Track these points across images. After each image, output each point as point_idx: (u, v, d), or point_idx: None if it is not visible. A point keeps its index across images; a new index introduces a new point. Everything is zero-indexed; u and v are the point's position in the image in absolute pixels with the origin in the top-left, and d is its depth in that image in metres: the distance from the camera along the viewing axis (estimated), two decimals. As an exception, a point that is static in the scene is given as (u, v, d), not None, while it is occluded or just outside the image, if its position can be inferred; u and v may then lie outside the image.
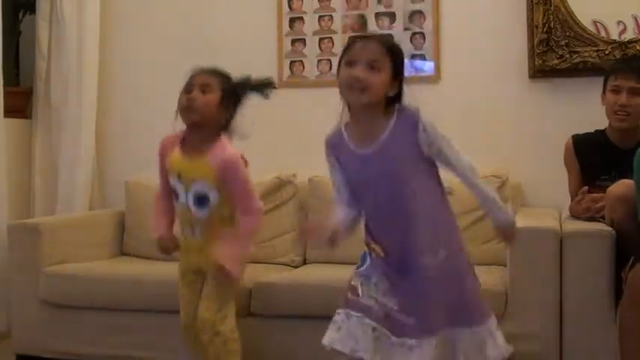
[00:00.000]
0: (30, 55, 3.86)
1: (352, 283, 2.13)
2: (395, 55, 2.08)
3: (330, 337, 2.07)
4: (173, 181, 2.57)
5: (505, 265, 2.72)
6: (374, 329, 2.07)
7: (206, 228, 2.55)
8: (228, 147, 2.53)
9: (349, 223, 2.16)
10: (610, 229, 2.56)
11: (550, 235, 2.59)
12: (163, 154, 2.62)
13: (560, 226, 2.67)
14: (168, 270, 2.76)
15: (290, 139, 3.55)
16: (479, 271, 2.90)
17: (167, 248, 2.63)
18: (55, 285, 3.08)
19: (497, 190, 3.09)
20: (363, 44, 2.07)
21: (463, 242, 2.18)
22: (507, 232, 2.15)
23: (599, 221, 2.68)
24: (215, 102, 2.53)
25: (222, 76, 2.60)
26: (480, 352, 2.10)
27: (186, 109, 2.53)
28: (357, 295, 2.10)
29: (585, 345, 2.56)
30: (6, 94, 3.56)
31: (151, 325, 2.92)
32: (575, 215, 2.81)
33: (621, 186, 2.52)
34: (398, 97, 2.10)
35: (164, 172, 2.62)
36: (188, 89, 2.55)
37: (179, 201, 2.57)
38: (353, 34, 2.22)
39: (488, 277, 2.77)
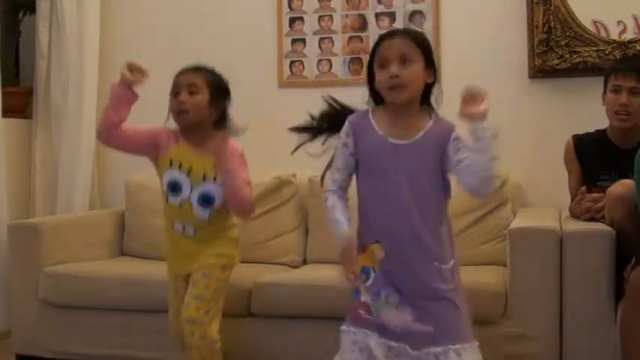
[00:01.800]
0: (30, 55, 3.86)
1: (362, 299, 2.14)
2: (422, 43, 2.15)
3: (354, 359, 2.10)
4: (175, 175, 2.55)
5: (505, 265, 2.72)
6: (390, 348, 2.10)
7: (201, 228, 2.56)
8: (230, 140, 2.53)
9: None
10: (610, 229, 2.56)
11: (550, 235, 2.59)
12: (162, 141, 2.58)
13: (560, 226, 2.66)
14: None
15: (290, 139, 3.54)
16: (479, 271, 2.93)
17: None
18: (55, 285, 3.08)
19: (497, 190, 3.12)
20: (389, 42, 2.13)
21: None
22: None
23: (599, 221, 2.68)
24: (205, 102, 2.55)
25: (207, 72, 2.60)
26: None
27: (177, 113, 2.54)
28: (370, 313, 2.13)
29: (585, 345, 2.56)
30: (6, 94, 3.56)
31: (151, 325, 2.92)
32: (575, 215, 2.81)
33: (621, 186, 2.52)
34: (432, 85, 2.17)
35: (147, 133, 2.59)
36: (176, 91, 2.56)
37: (179, 195, 2.54)
38: (382, 33, 2.25)
39: (489, 277, 2.77)
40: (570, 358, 2.59)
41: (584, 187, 2.79)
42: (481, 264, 3.03)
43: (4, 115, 3.53)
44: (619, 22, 3.29)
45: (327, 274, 2.88)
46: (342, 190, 2.22)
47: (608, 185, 2.65)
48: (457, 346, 2.06)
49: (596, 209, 2.71)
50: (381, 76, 2.12)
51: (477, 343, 2.11)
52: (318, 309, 2.75)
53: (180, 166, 2.55)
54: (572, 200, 2.88)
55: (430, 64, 2.15)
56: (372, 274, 2.14)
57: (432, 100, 2.19)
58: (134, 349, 2.96)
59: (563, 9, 3.30)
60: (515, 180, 3.26)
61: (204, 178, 2.53)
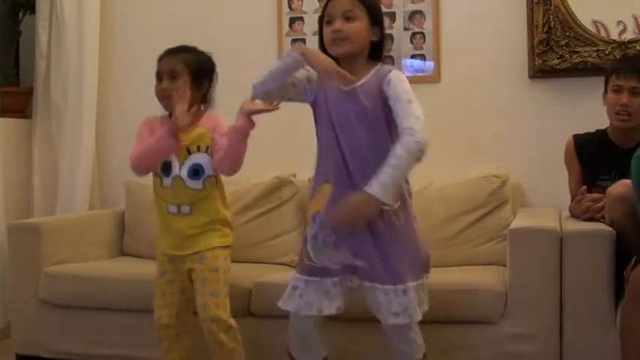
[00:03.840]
0: (30, 55, 3.86)
1: (307, 247, 2.26)
2: (367, 2, 2.26)
3: (295, 305, 2.26)
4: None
5: (505, 265, 2.72)
6: (334, 284, 2.22)
7: (196, 203, 2.57)
8: (217, 116, 2.61)
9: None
10: (610, 229, 2.56)
11: (550, 235, 2.59)
12: (155, 130, 2.61)
13: (560, 226, 2.66)
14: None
15: (290, 139, 3.55)
16: (479, 271, 2.93)
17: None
18: (55, 285, 3.08)
19: (497, 189, 3.12)
20: (335, 1, 2.26)
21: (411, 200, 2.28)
22: (363, 201, 2.12)
23: (599, 221, 2.68)
24: (186, 86, 2.56)
25: (187, 55, 2.63)
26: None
27: (161, 99, 2.60)
28: (312, 260, 2.24)
29: (585, 345, 2.56)
30: (6, 94, 3.57)
31: (151, 325, 2.91)
32: (575, 215, 2.81)
33: (621, 186, 2.52)
34: (381, 43, 2.29)
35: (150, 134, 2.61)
36: (158, 77, 2.61)
37: (169, 175, 2.57)
38: None
39: (489, 277, 2.77)
40: (570, 358, 2.59)
41: (583, 187, 2.79)
42: (481, 264, 3.03)
43: (3, 115, 3.53)
44: (619, 22, 3.29)
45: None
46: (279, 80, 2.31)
47: (608, 185, 2.65)
48: (397, 286, 2.17)
49: (595, 209, 2.71)
50: (326, 32, 2.26)
51: (417, 283, 2.22)
52: (318, 309, 2.75)
53: None
54: (572, 200, 2.88)
55: (376, 22, 2.26)
56: (318, 220, 2.25)
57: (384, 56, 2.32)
58: (134, 349, 2.96)
59: (563, 9, 3.30)
60: (515, 180, 3.26)
61: (188, 151, 2.56)
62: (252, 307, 2.87)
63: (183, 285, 2.61)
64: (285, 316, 2.79)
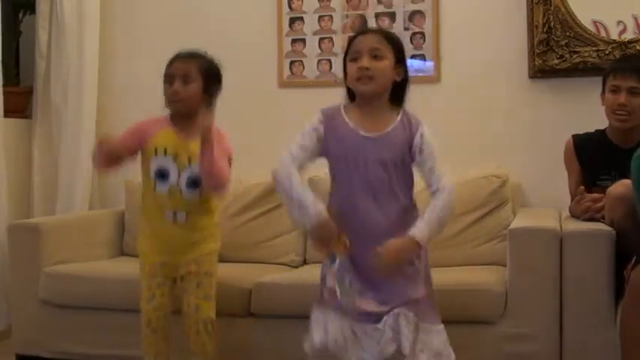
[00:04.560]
0: (30, 55, 3.86)
1: (329, 284, 2.20)
2: (393, 42, 2.24)
3: (321, 339, 2.17)
4: (163, 161, 2.55)
5: (505, 265, 2.72)
6: (353, 329, 2.17)
7: (193, 212, 2.57)
8: (218, 130, 2.54)
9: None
10: (610, 229, 2.56)
11: (550, 235, 2.59)
12: (144, 132, 2.59)
13: (560, 226, 2.66)
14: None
15: (290, 139, 3.54)
16: (479, 271, 2.93)
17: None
18: (55, 285, 3.08)
19: (497, 189, 3.12)
20: (362, 38, 2.23)
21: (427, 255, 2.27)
22: (407, 245, 2.13)
23: (599, 221, 2.67)
24: (198, 91, 2.57)
25: (201, 59, 2.63)
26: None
27: (170, 101, 2.58)
28: (336, 296, 2.18)
29: (585, 345, 2.56)
30: (6, 94, 3.56)
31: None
32: (574, 215, 2.81)
33: (621, 186, 2.52)
34: (404, 83, 2.25)
35: (131, 135, 2.59)
36: (169, 80, 2.58)
37: (167, 181, 2.55)
38: (352, 34, 2.32)
39: (489, 277, 2.77)
40: (570, 358, 2.59)
41: (582, 187, 2.79)
42: (481, 264, 3.04)
43: (4, 115, 3.53)
44: (619, 22, 3.29)
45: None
46: (299, 165, 2.26)
47: (608, 185, 2.65)
48: (426, 324, 2.15)
49: (595, 209, 2.71)
50: (351, 69, 2.22)
51: (442, 327, 2.20)
52: (318, 309, 2.75)
53: (165, 151, 2.56)
54: (571, 200, 2.88)
55: (400, 62, 2.24)
56: (337, 260, 2.19)
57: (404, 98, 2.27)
58: (134, 349, 2.95)
59: (563, 9, 3.30)
60: (515, 180, 3.26)
61: (189, 161, 2.55)
62: (252, 307, 2.87)
63: (172, 286, 2.61)
64: (285, 315, 2.80)
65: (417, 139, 2.19)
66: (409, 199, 2.23)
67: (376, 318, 2.15)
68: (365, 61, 2.17)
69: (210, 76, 2.61)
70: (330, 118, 2.24)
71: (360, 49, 2.20)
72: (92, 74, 3.75)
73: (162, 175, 2.56)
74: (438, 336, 2.18)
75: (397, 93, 2.25)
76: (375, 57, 2.18)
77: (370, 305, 2.16)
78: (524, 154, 3.37)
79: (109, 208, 3.73)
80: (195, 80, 2.57)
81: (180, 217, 2.57)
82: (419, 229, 2.13)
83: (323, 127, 2.23)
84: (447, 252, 3.05)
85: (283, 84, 3.67)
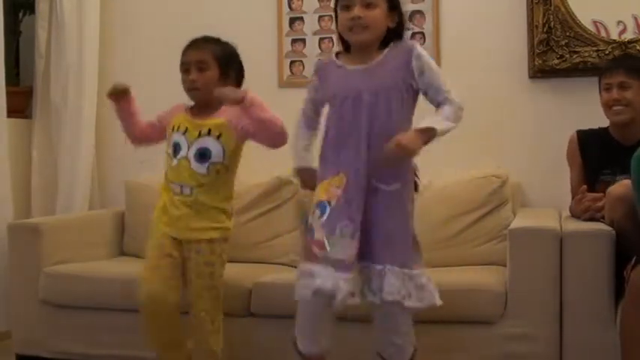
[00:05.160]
0: (30, 55, 3.86)
1: (317, 236, 2.18)
2: None
3: (315, 284, 2.15)
4: (176, 136, 2.62)
5: (505, 265, 2.72)
6: (347, 280, 2.16)
7: (198, 187, 2.58)
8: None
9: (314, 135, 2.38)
10: (610, 229, 2.56)
11: (550, 235, 2.59)
12: (172, 113, 2.69)
13: (560, 226, 2.66)
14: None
15: (290, 139, 3.54)
16: (479, 271, 2.93)
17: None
18: (55, 285, 3.08)
19: (497, 189, 3.12)
20: None
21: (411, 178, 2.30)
22: (418, 135, 2.16)
23: (599, 221, 2.68)
24: (215, 77, 2.60)
25: (214, 45, 2.65)
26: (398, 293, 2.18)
27: (189, 91, 2.62)
28: (325, 249, 2.17)
29: (585, 345, 2.56)
30: (6, 94, 3.56)
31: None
32: (575, 215, 2.82)
33: (621, 187, 2.52)
34: (399, 28, 2.26)
35: (161, 120, 2.72)
36: (185, 69, 2.61)
37: (178, 156, 2.59)
38: None
39: (489, 277, 2.77)
40: (570, 358, 2.58)
41: (584, 187, 2.80)
42: (481, 264, 3.03)
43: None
44: (619, 22, 3.29)
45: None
46: (308, 117, 2.38)
47: (610, 180, 2.67)
48: (414, 271, 2.20)
49: (595, 208, 2.71)
50: (342, 18, 2.22)
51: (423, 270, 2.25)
52: (318, 309, 2.74)
53: (178, 128, 2.63)
54: (572, 195, 2.89)
55: (394, 8, 2.24)
56: (328, 209, 2.18)
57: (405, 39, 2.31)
58: (134, 349, 2.96)
59: (563, 9, 3.30)
60: (515, 180, 3.26)
61: (199, 134, 2.58)
62: (252, 307, 2.87)
63: (183, 267, 2.63)
64: (285, 315, 2.79)
65: (413, 62, 2.20)
66: (405, 130, 2.21)
67: (362, 256, 2.20)
68: (357, 10, 2.17)
69: (226, 61, 2.63)
70: (322, 67, 2.34)
71: None
72: (92, 74, 3.75)
73: (175, 149, 2.62)
74: (419, 277, 2.21)
75: (390, 38, 2.26)
76: (368, 5, 2.18)
77: (359, 244, 2.18)
78: (524, 154, 3.37)
79: (109, 208, 3.73)
80: (211, 67, 2.59)
81: (186, 189, 2.59)
82: (425, 122, 2.17)
83: (317, 76, 2.33)
84: (447, 252, 3.06)
85: (283, 84, 3.67)
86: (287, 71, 3.66)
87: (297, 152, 2.39)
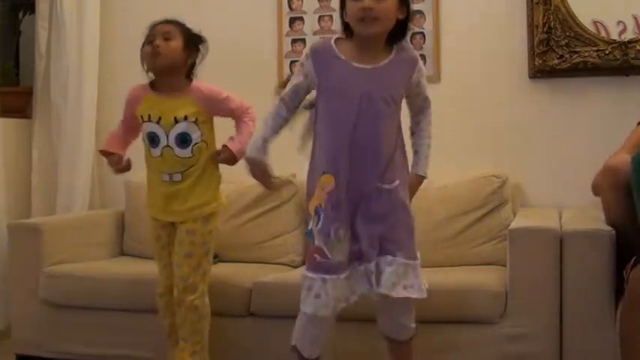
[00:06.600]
0: (30, 55, 3.86)
1: (316, 243, 2.19)
2: None
3: (314, 306, 2.17)
4: (150, 127, 2.62)
5: (505, 265, 2.72)
6: (347, 277, 2.18)
7: (187, 171, 2.60)
8: (204, 84, 2.65)
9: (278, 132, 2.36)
10: (610, 229, 2.56)
11: (550, 235, 2.59)
12: (133, 102, 2.69)
13: (560, 226, 2.67)
14: (168, 270, 2.76)
15: (290, 139, 3.54)
16: (479, 271, 2.93)
17: (117, 163, 2.73)
18: (55, 285, 3.08)
19: (497, 189, 3.12)
20: None
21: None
22: (415, 185, 2.32)
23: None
24: (179, 47, 2.62)
25: (181, 25, 2.69)
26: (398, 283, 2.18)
27: (152, 55, 2.61)
28: (326, 256, 2.17)
29: (585, 345, 2.56)
30: (6, 94, 3.57)
31: (151, 325, 2.92)
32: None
33: (619, 158, 2.53)
34: (406, 22, 2.22)
35: (128, 118, 2.71)
36: (150, 39, 2.63)
37: (158, 146, 2.61)
38: None
39: (489, 277, 2.77)
40: (570, 358, 2.59)
41: None
42: (481, 264, 3.03)
43: (3, 115, 3.53)
44: (619, 22, 3.29)
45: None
46: (284, 103, 2.32)
47: None
48: (410, 261, 2.19)
49: None
50: (353, 7, 2.15)
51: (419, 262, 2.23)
52: (318, 309, 2.74)
53: (149, 117, 2.62)
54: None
55: (404, 0, 2.20)
56: (322, 214, 2.20)
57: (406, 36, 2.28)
58: (134, 349, 2.96)
59: (563, 9, 3.30)
60: (515, 180, 3.26)
61: (175, 120, 2.59)
62: (252, 307, 2.87)
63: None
64: (285, 315, 2.79)
65: (415, 74, 2.23)
66: (396, 135, 2.24)
67: (357, 256, 2.20)
68: (368, 1, 2.11)
69: (191, 38, 2.67)
70: (319, 52, 2.23)
71: None
72: (92, 74, 3.74)
73: (152, 139, 2.62)
74: (414, 270, 2.21)
75: (397, 31, 2.22)
76: None
77: (358, 245, 2.19)
78: (524, 154, 3.37)
79: (109, 208, 3.73)
80: (177, 38, 2.62)
81: (176, 177, 2.62)
82: (422, 168, 2.34)
83: (311, 61, 2.22)
84: (447, 252, 3.06)
85: (283, 84, 3.66)
86: (287, 71, 3.66)
87: (255, 141, 2.35)
